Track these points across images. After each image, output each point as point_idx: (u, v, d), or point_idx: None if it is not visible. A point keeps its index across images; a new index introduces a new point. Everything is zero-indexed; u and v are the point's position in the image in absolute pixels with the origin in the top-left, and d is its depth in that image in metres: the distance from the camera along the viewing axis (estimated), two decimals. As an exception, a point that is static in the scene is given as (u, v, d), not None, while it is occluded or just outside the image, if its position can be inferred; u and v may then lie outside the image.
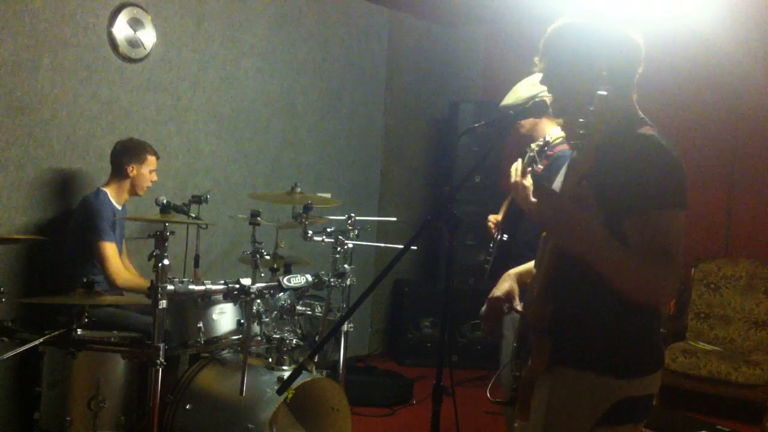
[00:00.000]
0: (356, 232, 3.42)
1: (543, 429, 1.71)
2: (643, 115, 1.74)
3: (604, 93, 1.51)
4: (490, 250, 3.22)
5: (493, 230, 3.25)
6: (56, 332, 2.68)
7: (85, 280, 2.80)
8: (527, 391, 1.75)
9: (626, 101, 1.73)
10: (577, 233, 1.53)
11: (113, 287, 3.39)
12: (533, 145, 3.09)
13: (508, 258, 3.06)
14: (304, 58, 5.02)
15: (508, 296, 1.94)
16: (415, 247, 4.32)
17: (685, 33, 4.71)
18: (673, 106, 4.79)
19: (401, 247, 1.93)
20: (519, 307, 1.90)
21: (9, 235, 3.43)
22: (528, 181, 2.63)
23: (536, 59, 1.79)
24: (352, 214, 3.44)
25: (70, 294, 3.28)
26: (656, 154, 1.60)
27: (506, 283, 1.97)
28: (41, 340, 2.64)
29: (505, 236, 3.10)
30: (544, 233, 1.75)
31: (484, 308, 1.99)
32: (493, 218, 3.28)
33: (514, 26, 5.77)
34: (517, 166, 2.70)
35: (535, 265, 1.82)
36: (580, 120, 1.53)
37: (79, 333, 2.74)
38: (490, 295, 1.98)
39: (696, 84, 4.93)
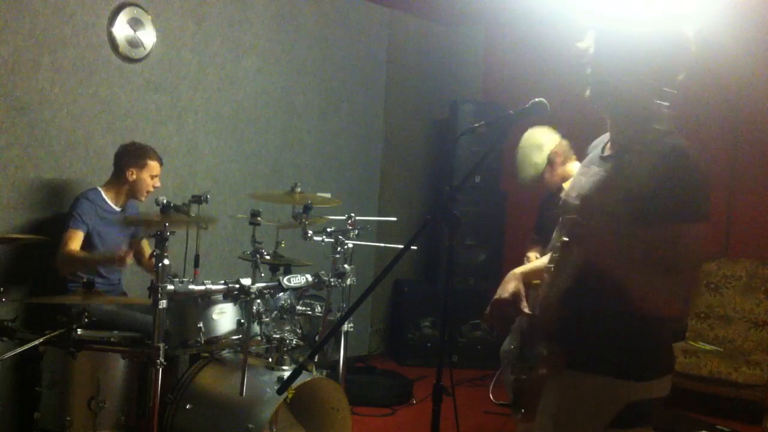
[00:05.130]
0: (356, 232, 3.42)
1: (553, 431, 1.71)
2: (671, 126, 1.71)
3: (666, 107, 1.49)
4: None
5: None
6: (56, 332, 2.68)
7: (85, 280, 2.80)
8: (535, 394, 1.75)
9: (651, 104, 1.70)
10: (610, 249, 1.53)
11: (57, 267, 3.34)
12: (565, 185, 3.18)
13: None
14: (303, 58, 5.02)
15: (515, 298, 1.89)
16: (415, 247, 4.32)
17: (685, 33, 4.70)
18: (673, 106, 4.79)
19: (401, 247, 1.93)
20: (526, 309, 1.87)
21: (9, 235, 3.43)
22: None
23: (581, 44, 1.73)
24: (352, 214, 3.44)
25: (70, 294, 3.28)
26: (682, 167, 1.58)
27: (512, 284, 1.93)
28: (41, 340, 2.64)
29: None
30: (565, 239, 1.72)
31: (488, 310, 1.95)
32: (533, 257, 3.33)
33: (514, 26, 5.77)
34: None
35: (548, 269, 1.80)
36: (655, 126, 1.47)
37: (79, 333, 2.74)
38: (496, 297, 1.93)
39: (696, 84, 4.92)
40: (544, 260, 2.01)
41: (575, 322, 1.68)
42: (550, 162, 3.30)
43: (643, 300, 1.56)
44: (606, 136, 1.90)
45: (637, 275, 1.54)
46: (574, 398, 1.70)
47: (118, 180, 3.53)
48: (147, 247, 3.77)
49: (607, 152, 1.81)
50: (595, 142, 1.97)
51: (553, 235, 3.15)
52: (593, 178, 1.77)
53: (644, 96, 1.68)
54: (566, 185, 3.21)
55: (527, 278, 1.95)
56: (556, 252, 1.76)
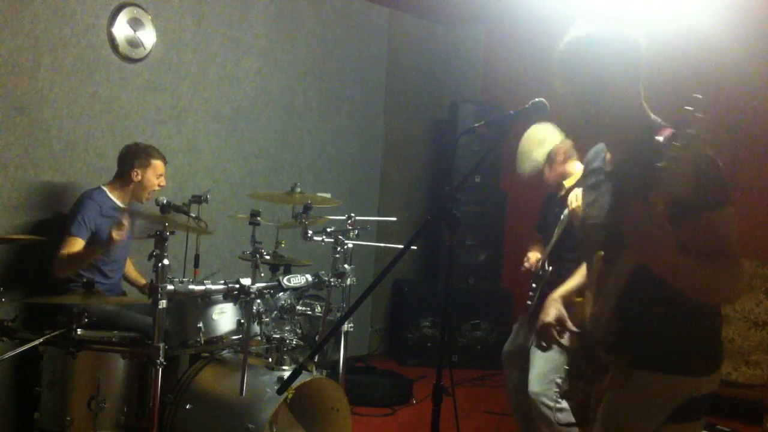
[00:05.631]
0: (356, 232, 3.42)
1: (610, 428, 1.77)
2: (655, 117, 1.76)
3: (700, 96, 1.49)
4: (533, 286, 3.26)
5: (533, 267, 3.29)
6: (56, 332, 2.68)
7: (85, 280, 2.80)
8: (596, 404, 1.82)
9: (636, 105, 1.75)
10: (664, 250, 1.54)
11: (54, 270, 3.32)
12: (566, 183, 3.23)
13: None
14: (303, 57, 5.02)
15: (559, 320, 1.99)
16: (415, 247, 4.31)
17: (685, 33, 4.71)
18: (673, 106, 4.79)
19: (401, 247, 1.93)
20: (573, 328, 1.95)
21: (9, 235, 3.43)
22: None
23: (557, 82, 1.78)
24: (352, 214, 3.44)
25: (70, 294, 3.28)
26: (689, 158, 1.56)
27: (553, 308, 2.03)
28: (41, 340, 2.64)
29: (550, 268, 3.19)
30: (600, 252, 1.78)
31: (536, 337, 2.07)
32: (533, 256, 3.32)
33: (514, 26, 5.77)
34: (577, 193, 2.91)
35: (590, 286, 1.87)
36: (688, 131, 1.48)
37: (79, 333, 2.74)
38: (540, 322, 2.04)
39: (696, 84, 4.93)
40: (578, 279, 2.11)
41: (634, 325, 1.73)
42: (551, 160, 3.28)
43: (701, 290, 1.61)
44: (598, 151, 1.95)
45: (689, 269, 1.57)
46: (635, 395, 1.75)
47: (122, 180, 3.52)
48: (134, 272, 3.77)
49: (609, 167, 1.85)
50: (589, 157, 2.01)
51: (554, 236, 3.19)
52: (609, 194, 1.82)
53: (619, 105, 1.72)
54: (567, 183, 3.23)
55: (567, 299, 2.06)
56: (595, 267, 1.82)
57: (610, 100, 1.71)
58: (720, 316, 1.82)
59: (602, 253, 1.76)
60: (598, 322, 1.78)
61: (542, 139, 3.30)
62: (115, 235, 3.13)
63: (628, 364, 1.75)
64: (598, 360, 1.80)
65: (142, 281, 3.80)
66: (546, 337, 2.01)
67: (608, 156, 1.87)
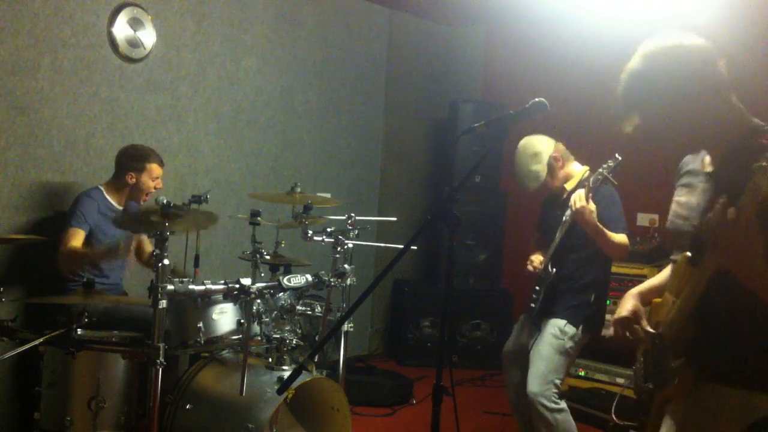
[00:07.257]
0: (356, 232, 3.42)
1: None
2: (758, 120, 1.72)
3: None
4: (537, 289, 3.27)
5: (536, 269, 3.31)
6: (56, 332, 2.68)
7: (85, 280, 2.80)
8: (659, 409, 1.78)
9: (727, 108, 1.71)
10: (751, 256, 1.48)
11: (59, 264, 3.36)
12: (567, 186, 3.28)
13: (557, 293, 3.19)
14: (304, 57, 5.02)
15: (636, 315, 1.94)
16: (415, 247, 4.31)
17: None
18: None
19: (401, 247, 1.94)
20: (648, 328, 1.89)
21: (9, 235, 3.43)
22: (593, 206, 2.95)
23: (626, 120, 1.74)
24: (352, 214, 3.44)
25: (70, 294, 3.28)
26: None
27: (630, 303, 1.99)
28: (41, 340, 2.64)
29: (554, 269, 3.20)
30: (679, 257, 1.75)
31: (611, 330, 2.02)
32: (536, 258, 3.34)
33: (514, 26, 5.77)
34: (580, 194, 2.98)
35: (671, 287, 1.83)
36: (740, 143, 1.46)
37: (79, 333, 2.74)
38: (616, 317, 1.98)
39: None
40: (659, 278, 2.06)
41: (708, 333, 1.67)
42: (551, 169, 3.28)
43: None
44: (694, 156, 1.92)
45: None
46: (707, 409, 1.68)
47: (118, 182, 3.53)
48: (148, 244, 3.78)
49: (709, 168, 1.82)
50: (686, 158, 1.97)
51: (556, 238, 3.20)
52: (703, 195, 1.78)
53: (708, 111, 1.69)
54: (568, 186, 3.24)
55: (645, 297, 2.00)
56: (679, 269, 1.78)
57: (696, 108, 1.67)
58: None
59: (689, 254, 1.72)
60: (672, 325, 1.73)
61: (537, 152, 3.31)
62: (119, 251, 3.27)
63: (696, 373, 1.68)
64: (667, 365, 1.74)
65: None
66: (622, 332, 1.95)
67: (707, 158, 1.83)
